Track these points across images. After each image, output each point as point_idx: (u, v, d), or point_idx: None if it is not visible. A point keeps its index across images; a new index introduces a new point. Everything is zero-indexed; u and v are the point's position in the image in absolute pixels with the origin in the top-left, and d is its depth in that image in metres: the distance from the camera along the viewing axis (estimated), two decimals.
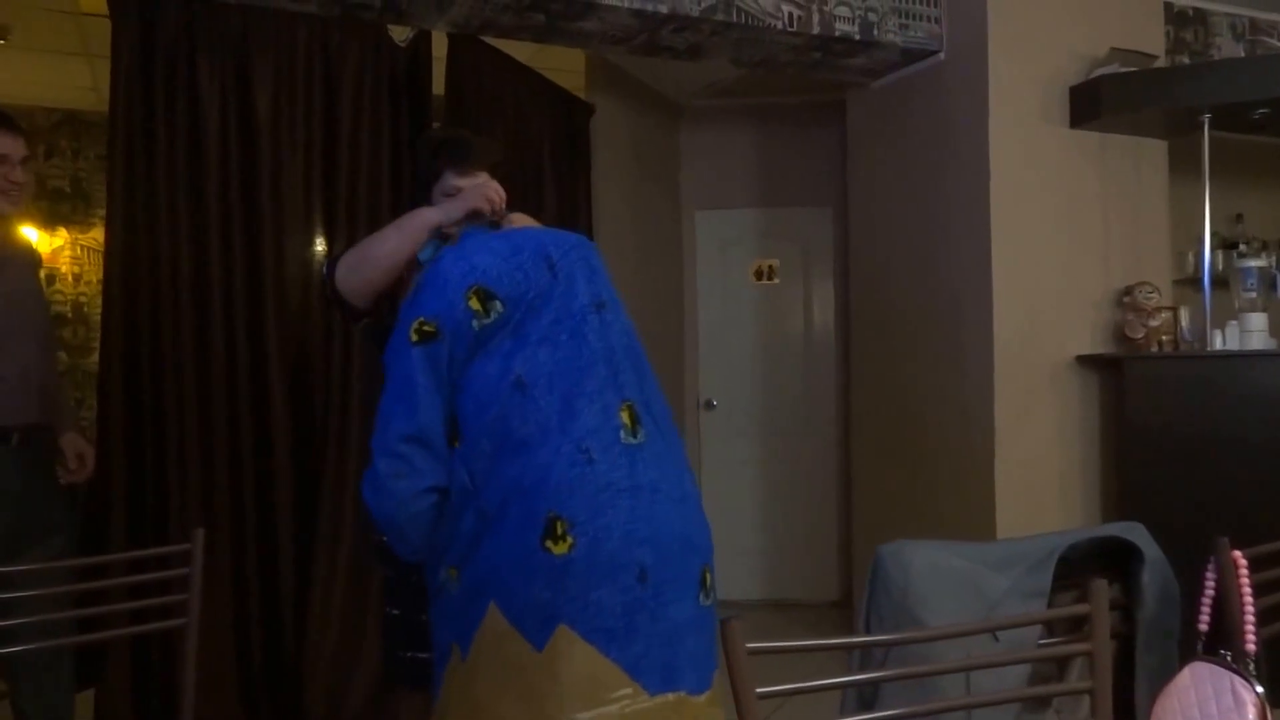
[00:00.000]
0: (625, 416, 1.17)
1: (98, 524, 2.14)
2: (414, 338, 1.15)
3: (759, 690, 0.78)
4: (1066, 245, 2.63)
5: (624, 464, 1.14)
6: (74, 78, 3.87)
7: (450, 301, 1.16)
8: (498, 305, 1.16)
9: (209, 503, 2.25)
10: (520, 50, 2.86)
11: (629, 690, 1.09)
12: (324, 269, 1.41)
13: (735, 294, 3.79)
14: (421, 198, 1.49)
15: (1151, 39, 2.74)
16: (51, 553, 1.75)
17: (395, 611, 1.46)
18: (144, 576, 1.37)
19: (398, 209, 2.53)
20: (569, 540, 1.09)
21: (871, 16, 2.61)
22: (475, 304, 1.16)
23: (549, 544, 1.09)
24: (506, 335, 1.16)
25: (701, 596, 1.19)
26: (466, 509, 1.14)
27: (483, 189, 1.36)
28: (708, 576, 1.20)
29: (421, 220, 1.36)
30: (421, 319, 1.16)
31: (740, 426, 3.77)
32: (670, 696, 1.12)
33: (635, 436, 1.16)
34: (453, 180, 1.44)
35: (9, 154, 1.72)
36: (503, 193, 1.38)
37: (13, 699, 1.74)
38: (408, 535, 1.18)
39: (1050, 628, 1.16)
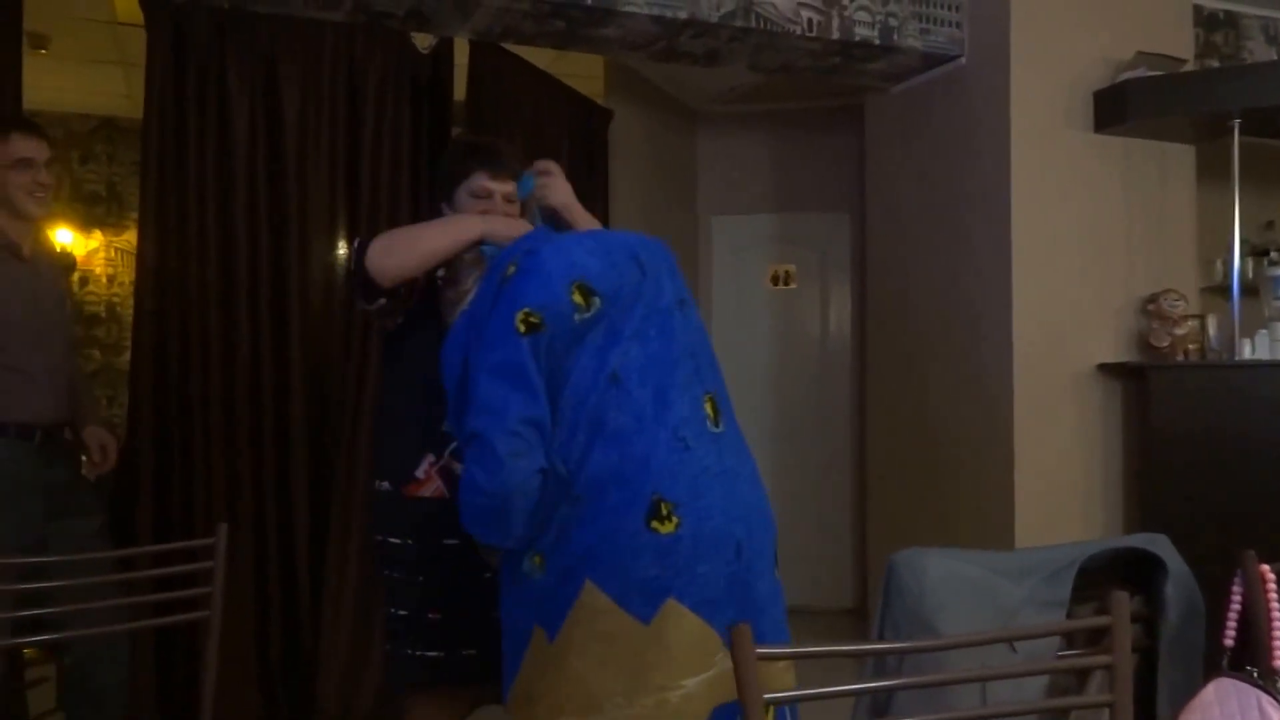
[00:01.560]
0: (709, 408, 1.26)
1: (126, 518, 2.19)
2: (521, 328, 1.19)
3: (766, 695, 0.78)
4: (1089, 252, 2.59)
5: (713, 451, 1.23)
6: (110, 85, 3.98)
7: (556, 294, 1.20)
8: (596, 301, 1.22)
9: (233, 498, 2.30)
10: (540, 56, 2.88)
11: (723, 654, 1.16)
12: (355, 246, 1.45)
13: (751, 299, 3.78)
14: (444, 195, 1.55)
15: (1181, 42, 2.69)
16: (91, 529, 1.79)
17: (402, 612, 1.47)
18: (169, 570, 1.40)
19: (418, 212, 2.58)
20: (675, 520, 1.16)
21: (892, 21, 2.59)
22: (578, 298, 1.21)
23: (654, 524, 1.16)
24: (600, 331, 1.22)
25: (775, 570, 1.28)
26: (561, 497, 1.19)
27: (510, 223, 1.45)
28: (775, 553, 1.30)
29: (466, 227, 1.44)
30: (528, 309, 1.20)
31: (755, 432, 3.68)
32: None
33: (717, 426, 1.26)
34: (483, 181, 1.51)
35: (34, 157, 1.74)
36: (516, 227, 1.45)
37: (63, 681, 1.77)
38: (514, 517, 1.19)
39: (1069, 639, 1.15)
